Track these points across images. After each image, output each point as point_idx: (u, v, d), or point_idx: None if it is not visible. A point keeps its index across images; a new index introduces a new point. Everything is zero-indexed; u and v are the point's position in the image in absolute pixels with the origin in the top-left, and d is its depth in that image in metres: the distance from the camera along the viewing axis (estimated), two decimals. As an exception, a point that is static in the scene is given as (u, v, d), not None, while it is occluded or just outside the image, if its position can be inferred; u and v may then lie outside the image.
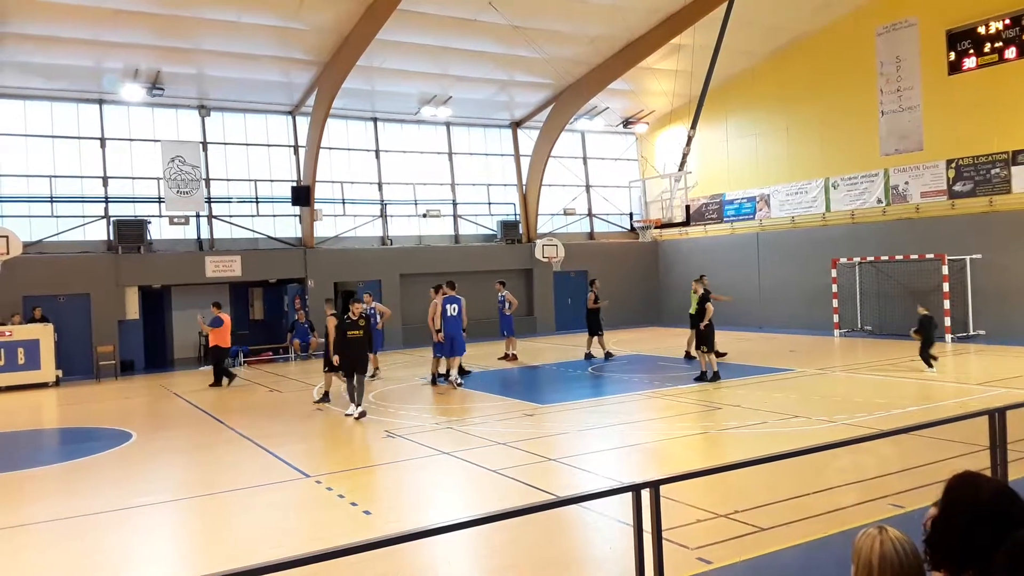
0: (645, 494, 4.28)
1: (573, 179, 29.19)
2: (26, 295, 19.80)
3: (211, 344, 17.97)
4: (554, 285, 27.37)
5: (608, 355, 18.70)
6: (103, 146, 22.05)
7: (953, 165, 20.42)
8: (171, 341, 23.91)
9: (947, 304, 19.65)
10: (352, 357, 12.76)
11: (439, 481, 9.05)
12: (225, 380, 17.26)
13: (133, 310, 21.57)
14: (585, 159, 29.65)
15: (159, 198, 22.13)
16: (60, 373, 19.20)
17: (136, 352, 21.64)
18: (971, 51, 19.83)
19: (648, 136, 29.56)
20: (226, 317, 17.93)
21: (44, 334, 18.83)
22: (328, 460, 10.37)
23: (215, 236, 23.23)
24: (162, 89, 21.23)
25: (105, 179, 21.98)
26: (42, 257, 20.50)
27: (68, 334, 19.98)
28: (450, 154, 27.20)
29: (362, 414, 12.37)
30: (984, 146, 19.68)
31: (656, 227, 26.70)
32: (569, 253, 27.09)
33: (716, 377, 14.30)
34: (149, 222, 21.95)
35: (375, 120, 25.88)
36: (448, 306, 15.22)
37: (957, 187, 20.37)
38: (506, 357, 19.35)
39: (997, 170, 19.52)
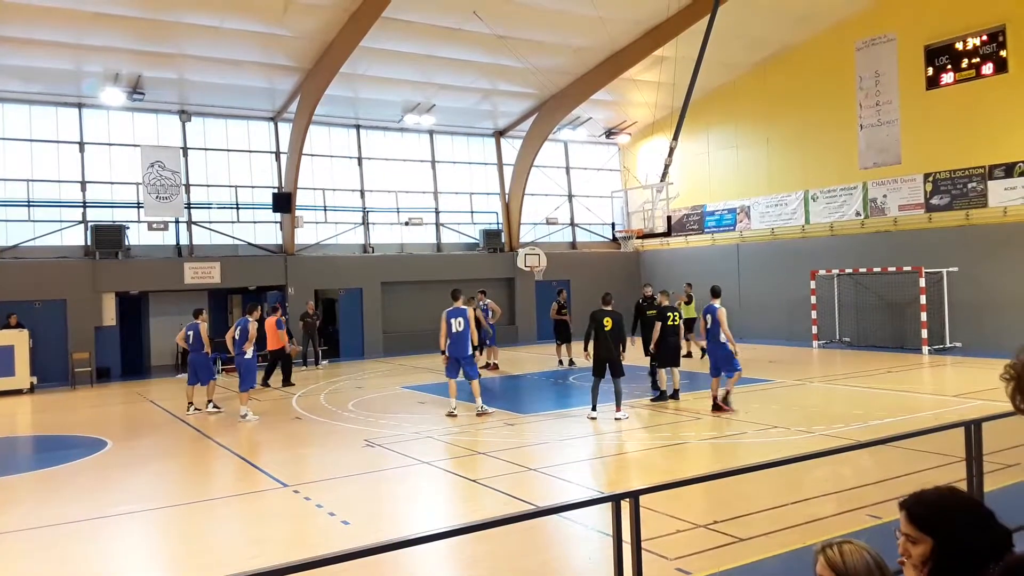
0: (625, 504, 4.27)
1: (556, 189, 29.26)
2: (0, 300, 19.52)
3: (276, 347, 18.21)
4: (536, 294, 27.37)
5: (571, 363, 19.31)
6: (82, 150, 21.82)
7: (930, 179, 20.68)
8: (148, 348, 23.66)
9: (924, 316, 19.87)
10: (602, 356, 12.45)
11: (418, 491, 9.00)
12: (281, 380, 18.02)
13: (110, 316, 21.32)
14: (568, 169, 29.74)
15: (138, 203, 21.93)
16: (35, 380, 18.93)
17: (112, 359, 21.38)
18: (949, 66, 20.12)
19: (630, 147, 29.71)
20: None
21: (19, 340, 18.55)
22: (306, 470, 10.28)
23: (194, 242, 23.04)
24: (142, 93, 21.06)
25: (83, 184, 21.75)
26: (18, 262, 20.23)
27: (43, 340, 19.69)
28: (433, 162, 27.19)
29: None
30: (961, 160, 19.95)
31: (638, 237, 26.81)
32: (551, 262, 27.12)
33: (674, 395, 13.89)
34: (127, 227, 21.73)
35: (358, 127, 25.82)
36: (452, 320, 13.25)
37: (934, 201, 20.62)
38: (487, 366, 19.33)
39: (973, 184, 19.79)
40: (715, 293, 13.15)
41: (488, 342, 19.42)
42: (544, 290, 27.07)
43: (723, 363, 12.61)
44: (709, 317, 12.77)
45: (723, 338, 12.57)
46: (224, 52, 20.04)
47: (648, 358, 14.59)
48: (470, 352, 13.31)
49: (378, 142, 26.25)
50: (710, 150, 26.79)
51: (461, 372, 13.26)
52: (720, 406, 12.54)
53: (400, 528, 7.40)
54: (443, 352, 13.27)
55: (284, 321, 18.77)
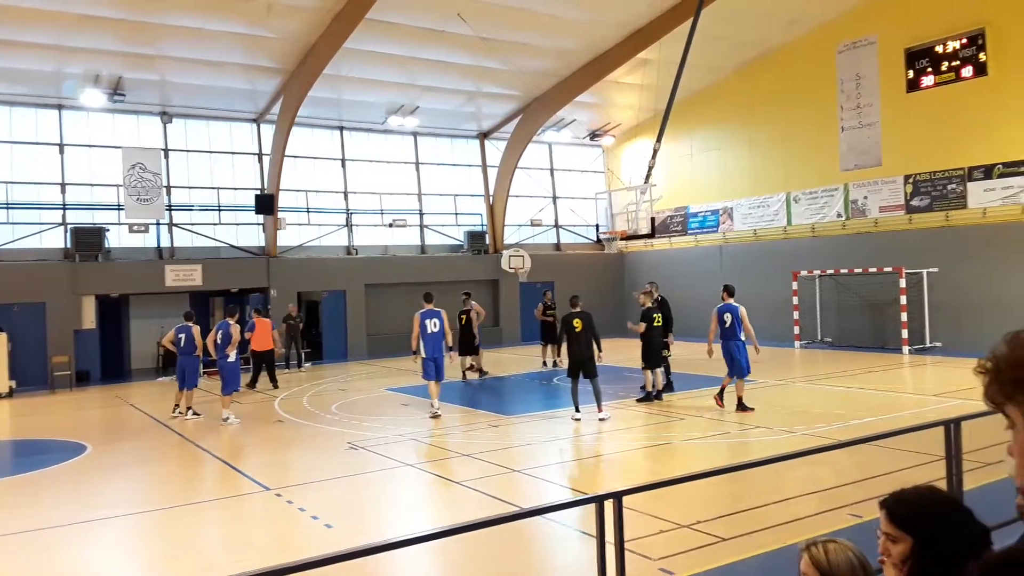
0: (608, 505, 4.28)
1: (540, 190, 29.29)
2: (-21, 303, 19.29)
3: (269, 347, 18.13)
4: (520, 296, 27.37)
5: (555, 364, 19.18)
6: (62, 152, 21.60)
7: (911, 181, 20.87)
8: (129, 351, 23.42)
9: (904, 316, 20.04)
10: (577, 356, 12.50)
11: (402, 494, 8.97)
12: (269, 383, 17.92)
13: (90, 319, 21.10)
14: (552, 171, 29.78)
15: (118, 205, 21.72)
16: (13, 384, 18.70)
17: (92, 362, 21.15)
18: (929, 69, 20.31)
19: (614, 149, 29.79)
20: (260, 322, 18.14)
21: (-3, 343, 18.36)
22: (289, 473, 10.21)
23: (175, 244, 22.85)
24: (123, 95, 20.88)
25: (63, 186, 21.52)
26: (-4, 264, 20.00)
27: (22, 343, 19.46)
28: (417, 164, 27.13)
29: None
30: (941, 162, 20.15)
31: (621, 239, 26.89)
32: (535, 264, 27.14)
33: (658, 396, 13.93)
34: (108, 230, 21.52)
35: (341, 129, 25.73)
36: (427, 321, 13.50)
37: (914, 202, 20.82)
38: (472, 368, 19.28)
39: (953, 186, 20.00)
40: (731, 292, 13.06)
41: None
42: (529, 292, 27.08)
43: (747, 362, 12.63)
44: (729, 316, 12.73)
45: (743, 336, 12.63)
46: (206, 54, 19.90)
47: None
48: (445, 353, 13.62)
49: (362, 144, 26.16)
50: (693, 152, 26.90)
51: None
52: (722, 403, 12.62)
53: (384, 531, 7.37)
54: (415, 352, 13.43)
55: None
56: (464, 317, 18.36)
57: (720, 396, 12.80)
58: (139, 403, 16.47)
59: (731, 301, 12.84)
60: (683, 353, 18.92)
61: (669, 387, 14.58)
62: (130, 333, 23.53)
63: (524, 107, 26.01)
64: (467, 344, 18.12)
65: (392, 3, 18.52)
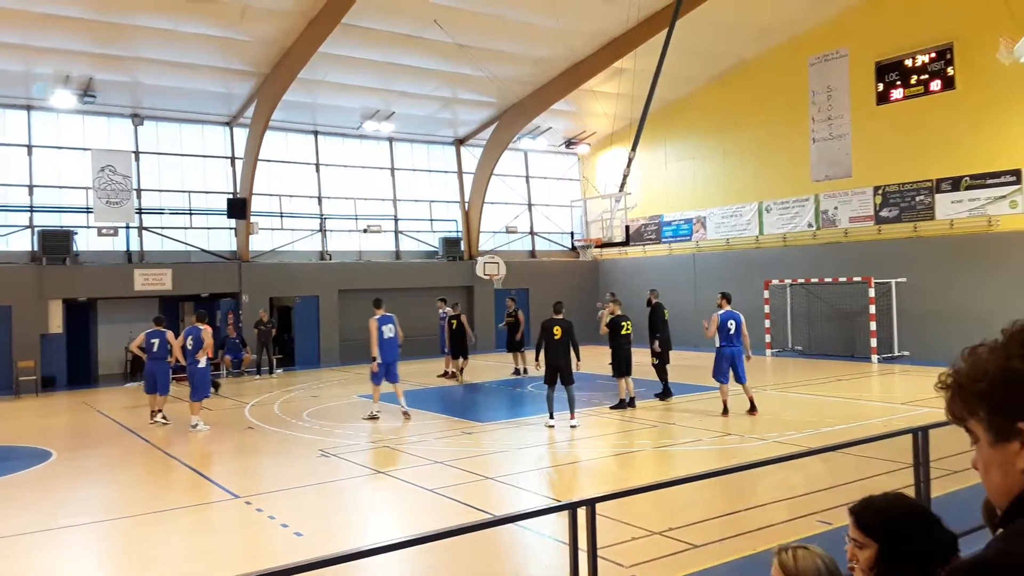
0: (581, 512, 4.27)
1: (515, 197, 29.33)
2: (-59, 306, 18.87)
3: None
4: (495, 303, 27.35)
5: (525, 371, 19.06)
6: (30, 153, 21.23)
7: (880, 192, 21.20)
8: (96, 356, 23.03)
9: (873, 326, 20.32)
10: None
11: (373, 501, 8.90)
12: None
13: (56, 324, 20.73)
14: (528, 178, 29.84)
15: (87, 208, 21.39)
16: (-24, 389, 18.33)
17: (59, 367, 20.77)
18: (898, 82, 20.66)
19: (590, 157, 29.92)
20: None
21: (-41, 348, 17.97)
22: (258, 480, 10.10)
23: (145, 248, 22.54)
24: (94, 96, 20.58)
25: (31, 187, 21.15)
26: (-40, 267, 19.59)
27: (-14, 348, 19.09)
28: (392, 169, 27.04)
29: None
30: (909, 174, 20.49)
31: (596, 247, 26.97)
32: (510, 271, 27.15)
33: (631, 403, 13.93)
34: (76, 233, 21.18)
35: (316, 133, 25.57)
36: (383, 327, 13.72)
37: (883, 213, 21.14)
38: (446, 375, 19.25)
39: (921, 197, 20.33)
40: (730, 299, 13.27)
41: (446, 350, 19.30)
42: (503, 299, 27.05)
43: (741, 371, 12.90)
44: (733, 323, 12.92)
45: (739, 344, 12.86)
46: (179, 55, 19.68)
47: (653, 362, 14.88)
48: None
49: (336, 149, 26.01)
50: (667, 161, 27.11)
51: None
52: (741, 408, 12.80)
53: (355, 539, 7.30)
54: (375, 359, 13.48)
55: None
56: (455, 322, 18.70)
57: (752, 405, 12.87)
58: (106, 409, 16.19)
59: (730, 308, 13.04)
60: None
61: (667, 394, 14.68)
62: (98, 338, 23.14)
63: (500, 114, 26.05)
64: (460, 347, 18.67)
65: (368, 8, 18.46)
